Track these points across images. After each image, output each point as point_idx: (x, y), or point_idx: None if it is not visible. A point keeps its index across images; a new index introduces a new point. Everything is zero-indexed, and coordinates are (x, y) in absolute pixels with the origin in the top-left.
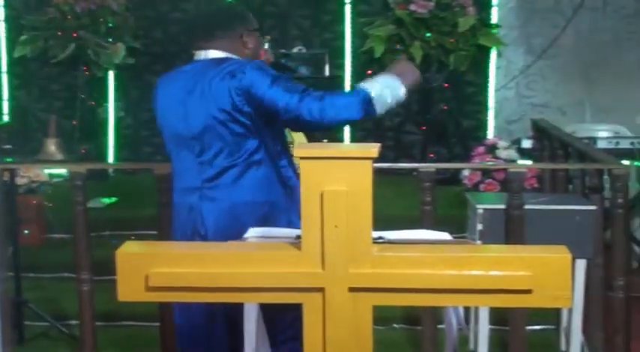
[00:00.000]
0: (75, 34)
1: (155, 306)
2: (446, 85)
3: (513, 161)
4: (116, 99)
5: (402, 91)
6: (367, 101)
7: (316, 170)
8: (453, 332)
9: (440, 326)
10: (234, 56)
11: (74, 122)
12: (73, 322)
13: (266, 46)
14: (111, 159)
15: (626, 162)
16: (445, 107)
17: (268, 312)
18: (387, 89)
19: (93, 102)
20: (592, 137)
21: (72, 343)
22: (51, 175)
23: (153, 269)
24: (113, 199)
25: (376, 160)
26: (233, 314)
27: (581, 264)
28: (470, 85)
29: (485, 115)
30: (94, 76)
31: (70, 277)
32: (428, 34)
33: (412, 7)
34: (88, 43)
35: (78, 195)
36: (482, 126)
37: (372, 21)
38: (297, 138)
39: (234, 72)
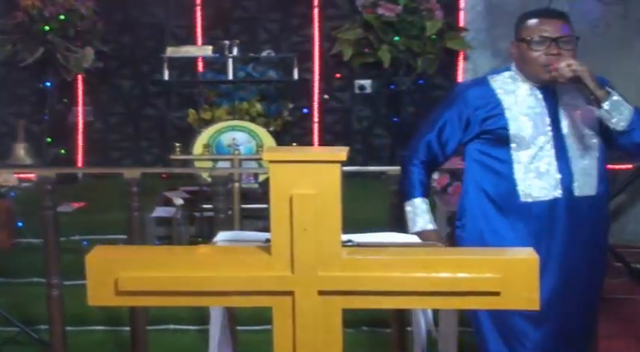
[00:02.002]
0: (44, 38)
1: (126, 311)
2: (414, 88)
3: None
4: (85, 103)
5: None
6: None
7: (285, 173)
8: (422, 334)
9: (409, 328)
10: None
11: (43, 126)
12: (43, 327)
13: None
14: (80, 163)
15: None
16: (413, 110)
17: None
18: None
19: (62, 107)
20: None
21: (42, 348)
22: (20, 180)
23: (122, 273)
24: (82, 203)
25: (345, 163)
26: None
27: None
28: (438, 88)
29: None
30: (63, 80)
31: (40, 282)
32: (396, 38)
33: (380, 11)
34: (56, 47)
35: (47, 199)
36: None
37: (340, 25)
38: (267, 141)
39: None
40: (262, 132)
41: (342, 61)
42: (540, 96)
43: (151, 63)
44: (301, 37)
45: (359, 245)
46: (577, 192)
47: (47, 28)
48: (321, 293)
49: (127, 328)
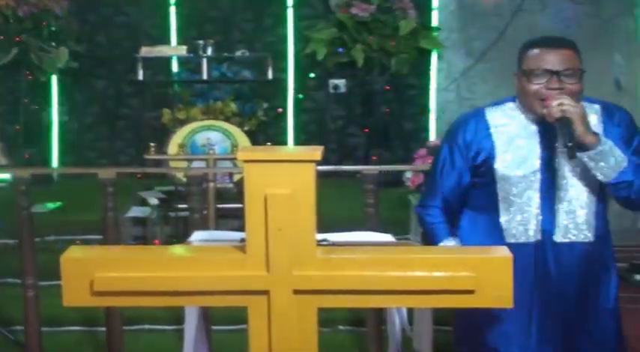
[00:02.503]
0: (17, 38)
1: (101, 311)
2: (387, 87)
3: None
4: (60, 104)
5: None
6: None
7: (259, 173)
8: (397, 332)
9: (384, 326)
10: None
11: (17, 127)
12: (19, 327)
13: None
14: (55, 163)
15: None
16: (387, 110)
17: None
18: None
19: (36, 107)
20: None
21: (17, 349)
22: None
23: (97, 273)
24: (57, 204)
25: (319, 163)
26: None
27: None
28: (411, 88)
29: (427, 117)
30: (37, 81)
31: (15, 282)
32: (369, 37)
33: (353, 11)
34: (30, 47)
35: (22, 199)
36: (424, 128)
37: (314, 24)
38: (241, 141)
39: None
40: (237, 132)
41: (316, 60)
42: (536, 130)
43: (125, 63)
44: (275, 36)
45: (334, 244)
46: (558, 238)
47: (21, 28)
48: (296, 292)
49: (103, 328)
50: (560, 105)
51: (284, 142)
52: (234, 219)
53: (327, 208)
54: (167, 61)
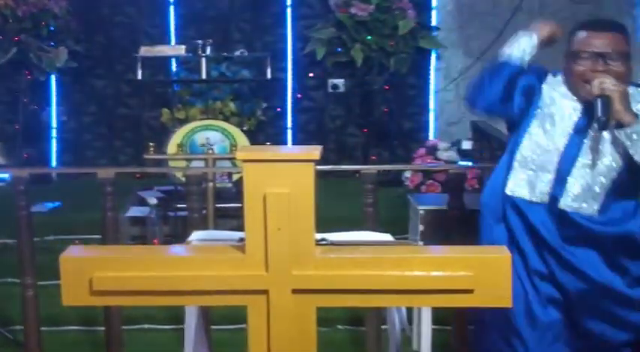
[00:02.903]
0: (17, 38)
1: (100, 311)
2: (386, 87)
3: (454, 162)
4: (59, 103)
5: None
6: None
7: (259, 172)
8: (397, 332)
9: (384, 326)
10: None
11: (16, 126)
12: (18, 327)
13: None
14: (54, 163)
15: None
16: (386, 109)
17: None
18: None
19: (35, 106)
20: None
21: (17, 348)
22: None
23: (97, 273)
24: (57, 203)
25: (318, 162)
26: None
27: None
28: (410, 88)
29: (426, 117)
30: (36, 80)
31: (14, 282)
32: (368, 37)
33: (353, 11)
34: (29, 46)
35: (21, 199)
36: (423, 127)
37: (313, 24)
38: (240, 141)
39: None
40: (236, 132)
41: (315, 60)
42: (577, 109)
43: (124, 62)
44: (274, 36)
45: (333, 243)
46: (562, 204)
47: (20, 27)
48: (295, 291)
49: (102, 328)
50: (602, 83)
51: (283, 142)
52: (233, 219)
53: (325, 208)
54: (166, 60)
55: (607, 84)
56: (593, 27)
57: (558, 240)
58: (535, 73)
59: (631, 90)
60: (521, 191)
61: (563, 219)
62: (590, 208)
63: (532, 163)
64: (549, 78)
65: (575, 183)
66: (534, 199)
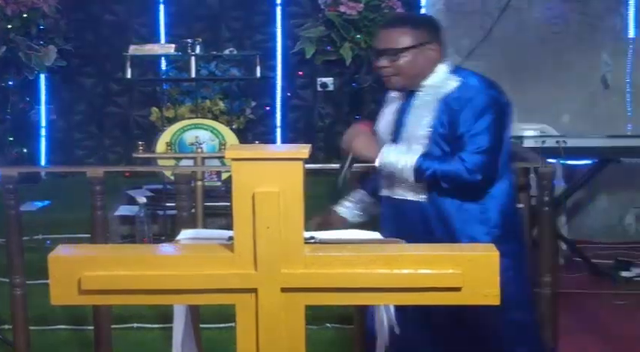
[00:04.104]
0: (6, 37)
1: (89, 310)
2: (376, 85)
3: None
4: (48, 102)
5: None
6: None
7: (247, 171)
8: (385, 330)
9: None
10: None
11: (5, 125)
12: (7, 326)
13: None
14: (43, 162)
15: (552, 161)
16: (375, 108)
17: None
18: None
19: (24, 105)
20: (519, 136)
21: (6, 347)
22: None
23: (85, 272)
24: (46, 202)
25: (307, 161)
26: None
27: None
28: None
29: None
30: (25, 79)
31: (3, 281)
32: (358, 36)
33: (342, 9)
34: (18, 45)
35: (10, 198)
36: None
37: (302, 22)
38: (229, 139)
39: None
40: (225, 130)
41: (304, 58)
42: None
43: (113, 61)
44: (264, 35)
45: (321, 242)
46: (394, 193)
47: (9, 26)
48: (284, 290)
49: (91, 327)
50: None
51: (272, 140)
52: (222, 218)
53: (314, 206)
54: (155, 59)
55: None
56: (382, 25)
57: None
58: None
59: (447, 79)
60: None
61: None
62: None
63: None
64: None
65: None
66: None
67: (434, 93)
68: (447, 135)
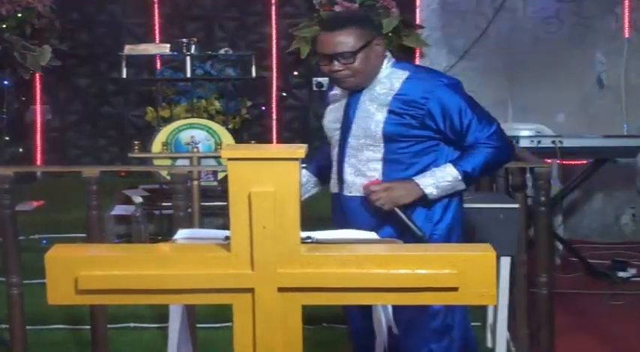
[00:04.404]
0: (0, 37)
1: (86, 309)
2: None
3: None
4: (43, 102)
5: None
6: None
7: (244, 171)
8: (383, 330)
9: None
10: None
11: (0, 125)
12: (3, 326)
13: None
14: (38, 161)
15: (547, 161)
16: None
17: None
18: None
19: (19, 105)
20: (514, 136)
21: (2, 347)
22: None
23: (82, 272)
24: (41, 202)
25: (303, 161)
26: None
27: (505, 262)
28: None
29: None
30: (20, 79)
31: (0, 281)
32: None
33: (337, 9)
34: (13, 45)
35: (5, 198)
36: None
37: (297, 22)
38: (225, 139)
39: None
40: (221, 130)
41: (299, 58)
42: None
43: (108, 61)
44: (258, 34)
45: (318, 242)
46: (345, 191)
47: (4, 26)
48: (280, 289)
49: (88, 327)
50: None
51: (268, 140)
52: (218, 217)
53: (311, 206)
54: (151, 59)
55: (378, 202)
56: (326, 27)
57: None
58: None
59: (395, 72)
60: None
61: None
62: None
63: None
64: None
65: None
66: None
67: (386, 87)
68: (420, 127)
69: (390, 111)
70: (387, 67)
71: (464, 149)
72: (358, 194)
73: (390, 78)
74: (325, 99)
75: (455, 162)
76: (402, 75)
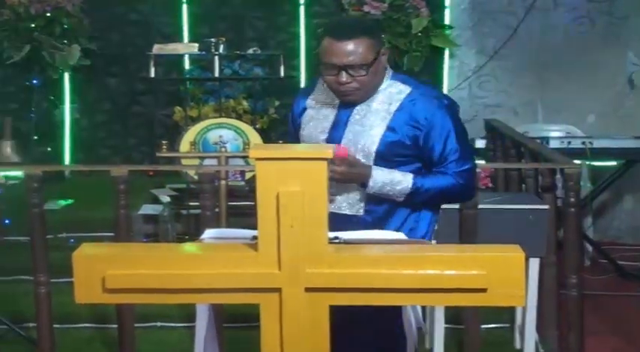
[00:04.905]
0: (30, 36)
1: (113, 308)
2: None
3: None
4: (72, 101)
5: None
6: None
7: (272, 171)
8: (413, 331)
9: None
10: None
11: (30, 124)
12: (31, 325)
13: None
14: (67, 160)
15: (577, 162)
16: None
17: None
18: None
19: (49, 104)
20: (544, 137)
21: (29, 346)
22: (7, 177)
23: (109, 271)
24: (69, 201)
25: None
26: None
27: (534, 263)
28: None
29: None
30: (49, 78)
31: (27, 279)
32: (382, 36)
33: (366, 9)
34: (43, 44)
35: (34, 197)
36: None
37: (326, 22)
38: (253, 139)
39: None
40: (249, 130)
41: None
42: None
43: (137, 60)
44: (287, 34)
45: (346, 242)
46: (335, 208)
47: (33, 25)
48: (308, 289)
49: (115, 325)
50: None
51: None
52: (246, 217)
53: None
54: (179, 58)
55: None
56: (335, 34)
57: None
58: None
59: (393, 85)
60: None
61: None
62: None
63: None
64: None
65: None
66: None
67: (386, 102)
68: (412, 147)
69: (389, 128)
70: (386, 80)
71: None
72: (348, 212)
73: (390, 92)
74: (296, 109)
75: (416, 176)
76: (403, 89)
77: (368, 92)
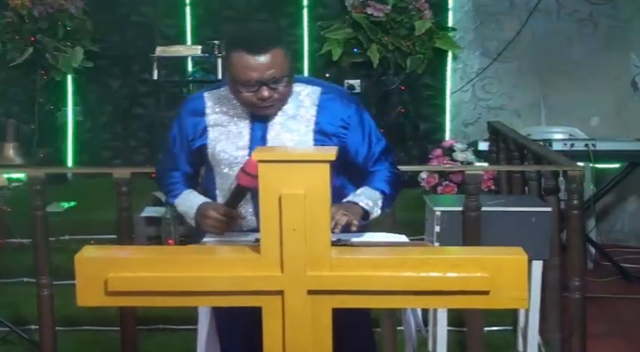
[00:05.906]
0: (33, 38)
1: (116, 311)
2: (403, 87)
3: (470, 163)
4: (75, 103)
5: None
6: None
7: (274, 173)
8: (412, 333)
9: (399, 327)
10: None
11: (32, 126)
12: (33, 327)
13: None
14: (69, 163)
15: (580, 164)
16: (402, 110)
17: None
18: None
19: (51, 106)
20: (547, 139)
21: (32, 348)
22: (9, 179)
23: (112, 273)
24: (72, 203)
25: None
26: None
27: (537, 265)
28: (427, 88)
29: (442, 118)
30: (52, 80)
31: (30, 282)
32: (385, 37)
33: (369, 11)
34: (45, 46)
35: (37, 199)
36: (440, 128)
37: (329, 24)
38: None
39: None
40: None
41: (331, 60)
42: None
43: (140, 62)
44: (290, 36)
45: (348, 244)
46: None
47: (36, 27)
48: (310, 292)
49: (117, 328)
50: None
51: None
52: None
53: None
54: (182, 60)
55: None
56: (248, 48)
57: None
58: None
59: (298, 87)
60: None
61: None
62: None
63: None
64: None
65: None
66: None
67: (303, 105)
68: (340, 151)
69: (317, 132)
70: (295, 84)
71: (363, 171)
72: None
73: (300, 96)
74: (191, 131)
75: (374, 186)
76: (313, 90)
77: (286, 101)
